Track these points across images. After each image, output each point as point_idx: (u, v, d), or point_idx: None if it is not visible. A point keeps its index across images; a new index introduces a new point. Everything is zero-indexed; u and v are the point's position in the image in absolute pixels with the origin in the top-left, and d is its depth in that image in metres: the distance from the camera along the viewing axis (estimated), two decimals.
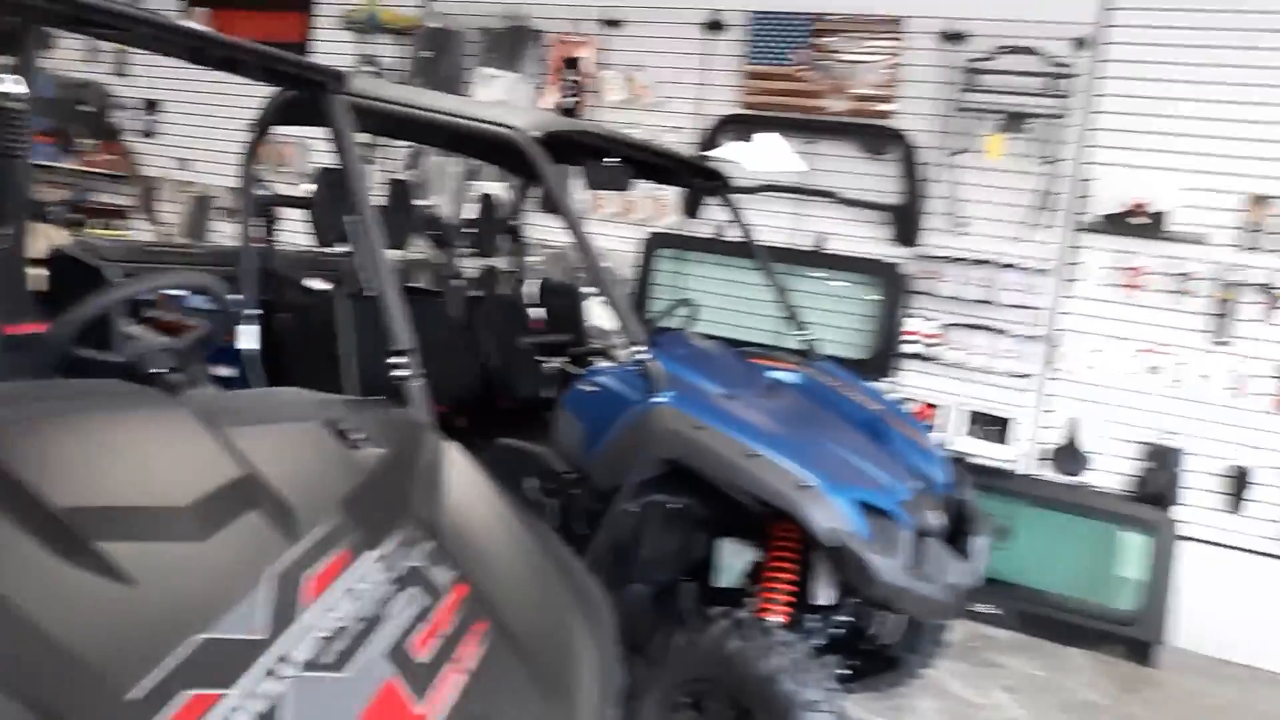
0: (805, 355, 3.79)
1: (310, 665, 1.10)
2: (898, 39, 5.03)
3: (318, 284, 3.54)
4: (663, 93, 5.58)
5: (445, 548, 1.45)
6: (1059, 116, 4.64)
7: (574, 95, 5.73)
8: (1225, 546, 4.44)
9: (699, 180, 4.25)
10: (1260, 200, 4.36)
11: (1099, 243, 4.64)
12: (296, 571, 1.20)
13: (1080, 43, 4.65)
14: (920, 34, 5.00)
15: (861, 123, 5.11)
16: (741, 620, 2.61)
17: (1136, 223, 4.48)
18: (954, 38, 4.90)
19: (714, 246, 5.35)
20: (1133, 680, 4.06)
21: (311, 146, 6.11)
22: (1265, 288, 4.35)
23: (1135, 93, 4.57)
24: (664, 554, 3.03)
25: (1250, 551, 4.40)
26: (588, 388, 2.83)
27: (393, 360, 2.06)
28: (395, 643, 1.22)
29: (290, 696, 1.05)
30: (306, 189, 3.57)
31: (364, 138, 5.78)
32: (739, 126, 5.34)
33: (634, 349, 2.77)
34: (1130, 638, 4.30)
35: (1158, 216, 4.45)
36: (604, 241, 5.65)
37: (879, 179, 5.09)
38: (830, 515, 2.54)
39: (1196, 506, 4.48)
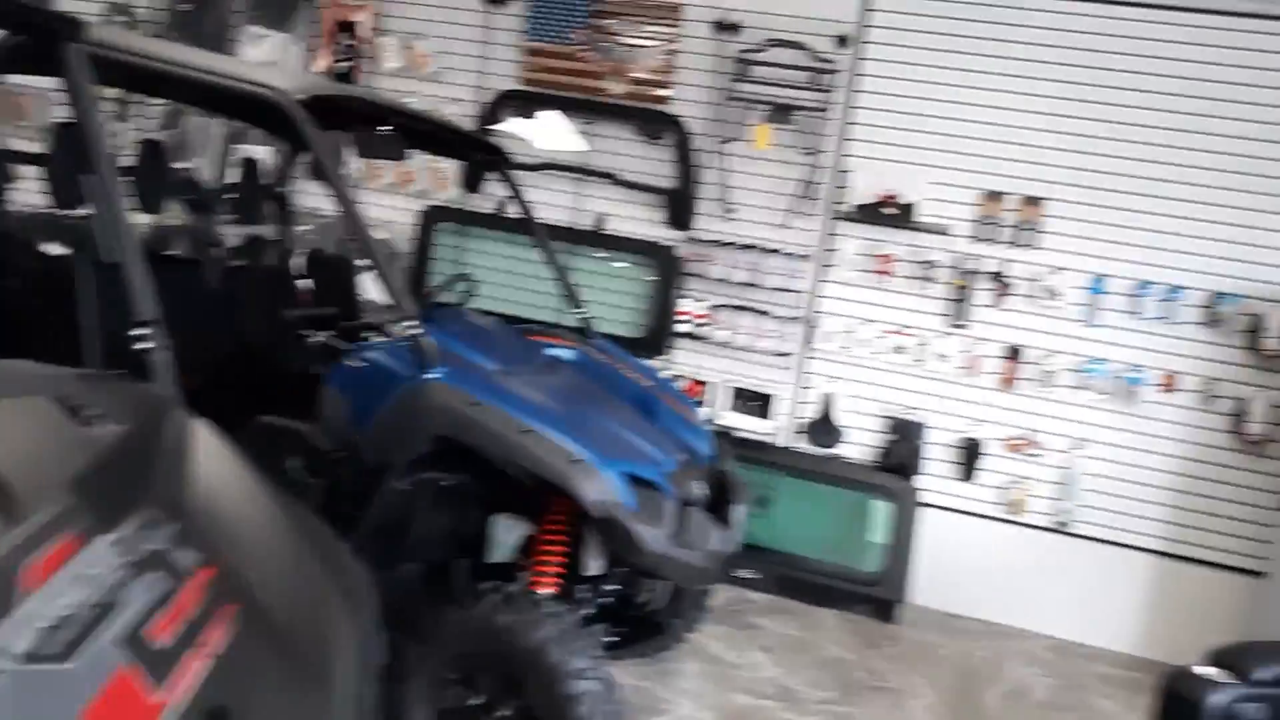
0: (582, 333, 3.85)
1: (31, 657, 1.03)
2: (675, 25, 5.16)
3: (56, 248, 3.25)
4: (443, 63, 5.47)
5: (190, 529, 1.38)
6: (821, 110, 4.92)
7: (349, 60, 5.52)
8: (958, 512, 4.90)
9: (478, 154, 4.21)
10: (993, 196, 4.80)
11: (853, 231, 4.96)
12: (16, 558, 1.12)
13: (842, 40, 4.94)
14: (696, 22, 5.15)
15: (639, 106, 5.22)
16: (511, 594, 2.64)
17: (887, 213, 4.83)
18: (727, 28, 5.08)
19: (494, 222, 5.32)
20: (876, 636, 4.42)
21: (55, 99, 5.57)
22: (996, 276, 4.80)
23: (889, 90, 4.92)
24: (436, 532, 3.02)
25: (979, 516, 4.88)
26: (356, 363, 2.76)
27: (135, 332, 1.93)
28: (131, 630, 1.16)
29: (7, 691, 0.98)
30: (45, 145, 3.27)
31: (117, 93, 5.36)
32: (519, 103, 5.34)
33: (405, 324, 2.72)
34: (876, 598, 4.67)
35: (906, 208, 4.82)
36: (381, 213, 5.52)
37: (656, 163, 5.22)
38: (599, 488, 2.61)
39: (935, 475, 4.91)
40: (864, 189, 4.91)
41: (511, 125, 5.32)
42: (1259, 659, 2.88)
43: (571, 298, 3.93)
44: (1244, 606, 4.52)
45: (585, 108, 5.27)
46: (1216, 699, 2.75)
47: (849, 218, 4.93)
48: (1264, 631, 4.16)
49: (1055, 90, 4.73)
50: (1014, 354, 4.82)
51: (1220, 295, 4.57)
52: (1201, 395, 4.63)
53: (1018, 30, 4.77)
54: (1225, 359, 4.60)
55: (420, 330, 2.69)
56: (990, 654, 4.41)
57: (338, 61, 5.52)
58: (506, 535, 3.05)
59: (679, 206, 5.15)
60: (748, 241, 5.06)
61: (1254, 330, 4.52)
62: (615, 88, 5.25)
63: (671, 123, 5.16)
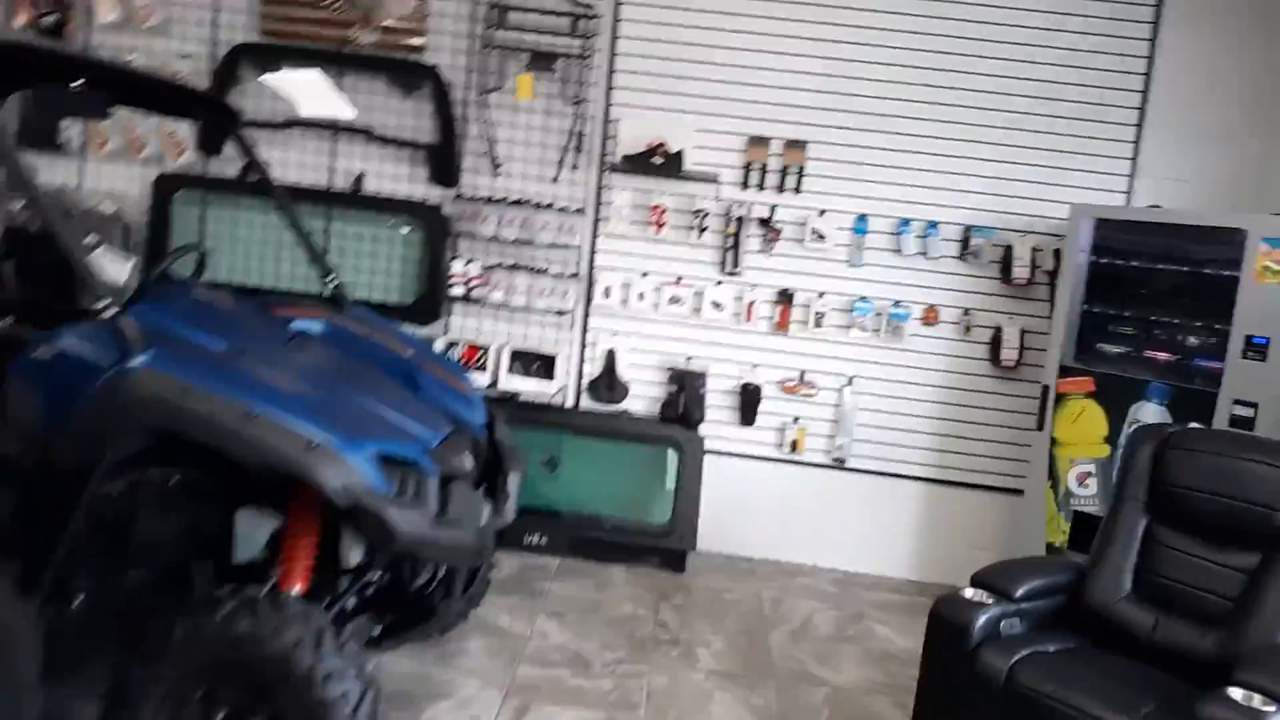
0: (336, 303, 3.57)
1: None
2: None
3: None
4: (169, 15, 4.95)
5: None
6: (584, 58, 4.77)
7: (54, 14, 4.89)
8: (742, 456, 4.95)
9: (206, 114, 3.81)
10: (757, 141, 4.82)
11: (625, 182, 4.87)
12: None
13: None
14: None
15: (392, 57, 4.90)
16: (251, 597, 2.40)
17: (656, 163, 4.75)
18: None
19: (237, 188, 4.87)
20: (668, 588, 4.41)
21: None
22: (765, 222, 4.83)
23: (651, 36, 4.82)
24: (168, 534, 2.71)
25: (761, 459, 4.95)
26: (45, 354, 2.41)
27: None
28: None
29: None
30: None
31: None
32: (258, 57, 4.91)
33: (103, 305, 2.39)
34: (667, 549, 4.67)
35: (675, 157, 4.76)
36: (109, 183, 4.98)
37: (415, 117, 4.93)
38: (343, 473, 2.40)
39: (717, 422, 4.94)
40: (632, 139, 4.81)
41: (273, 80, 4.90)
42: (1016, 579, 3.03)
43: (322, 265, 3.63)
44: (1007, 524, 4.81)
45: (333, 60, 4.90)
46: (982, 619, 2.89)
47: (619, 169, 4.82)
48: (1025, 546, 4.43)
49: (815, 33, 4.77)
50: (786, 298, 4.88)
51: (973, 229, 4.78)
52: (960, 326, 4.85)
53: None
54: (980, 289, 4.82)
55: (119, 312, 2.37)
56: (776, 593, 4.49)
57: (42, 16, 4.89)
58: (253, 531, 2.79)
59: (442, 162, 4.89)
60: (518, 197, 4.88)
61: (1004, 262, 4.76)
62: (365, 37, 4.90)
63: (428, 74, 4.87)
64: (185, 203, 4.95)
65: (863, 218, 4.83)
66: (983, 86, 4.73)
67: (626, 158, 4.76)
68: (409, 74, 4.89)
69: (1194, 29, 4.65)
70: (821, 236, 4.83)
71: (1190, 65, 4.67)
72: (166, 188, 4.92)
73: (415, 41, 4.89)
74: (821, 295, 4.87)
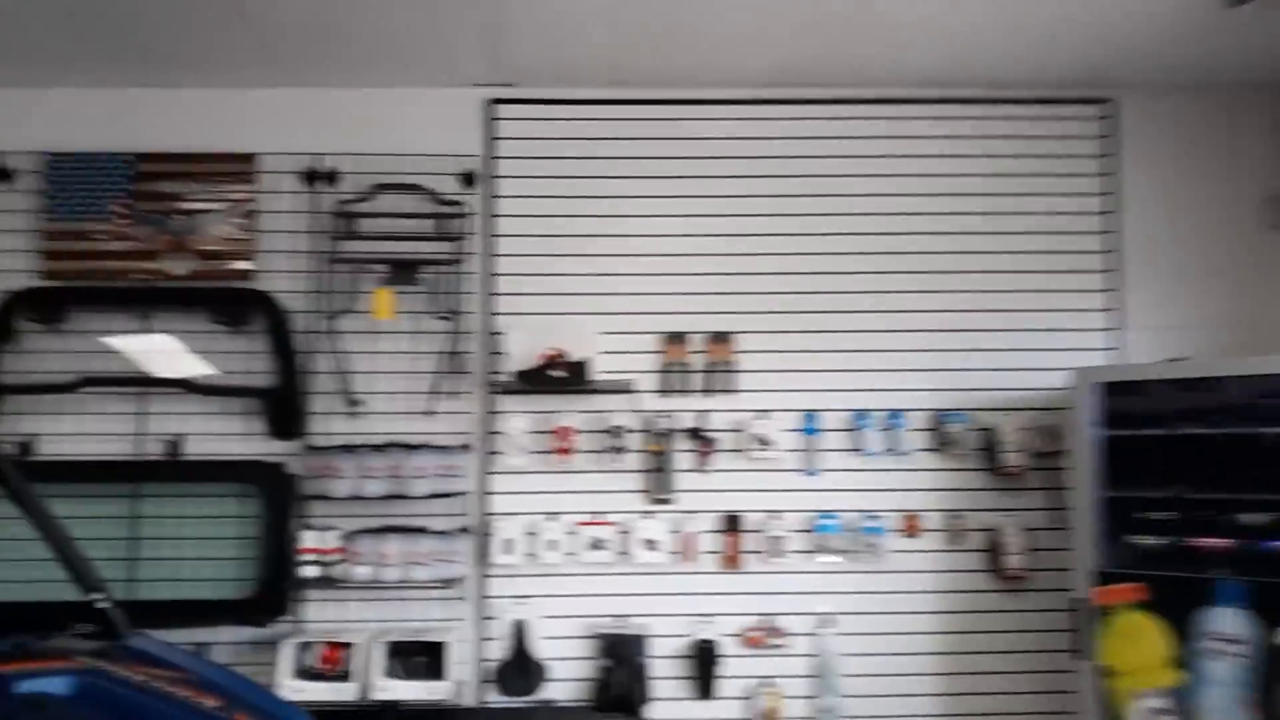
0: (107, 632, 2.44)
1: None
2: (249, 181, 4.01)
3: None
4: None
5: None
6: (455, 263, 3.91)
7: None
8: None
9: None
10: (674, 338, 3.97)
11: (519, 405, 3.93)
12: None
13: (468, 178, 4.02)
14: (277, 173, 4.03)
15: (212, 287, 3.96)
16: None
17: (556, 375, 3.83)
18: (321, 177, 4.01)
19: None
20: None
21: None
22: (695, 433, 3.92)
23: (534, 231, 4.03)
24: None
25: None
26: None
27: None
28: None
29: None
30: None
31: None
32: (42, 304, 3.90)
33: None
34: None
35: (577, 367, 3.85)
36: None
37: (246, 358, 3.94)
38: None
39: (667, 699, 3.81)
40: (523, 352, 3.91)
41: (119, 343, 3.90)
42: None
43: (84, 577, 2.51)
44: None
45: (136, 298, 3.93)
46: None
47: (510, 389, 3.88)
48: None
49: (730, 208, 4.05)
50: (732, 524, 3.90)
51: (946, 415, 3.94)
52: (949, 534, 3.93)
53: (674, 144, 4.08)
54: (966, 485, 3.94)
55: None
56: None
57: None
58: None
59: (283, 409, 3.88)
60: (385, 440, 3.86)
61: (989, 449, 3.91)
62: (176, 267, 3.96)
63: (259, 302, 3.93)
64: None
65: (812, 415, 3.96)
66: (938, 248, 4.03)
67: (519, 375, 3.83)
68: (235, 305, 3.93)
69: (1151, 161, 4.09)
70: (765, 443, 3.92)
71: (1156, 201, 4.08)
72: None
73: (241, 265, 3.98)
74: (776, 515, 3.91)
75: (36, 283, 3.94)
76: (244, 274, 3.97)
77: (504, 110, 4.09)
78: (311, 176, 4.02)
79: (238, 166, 4.02)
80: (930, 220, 4.05)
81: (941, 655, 3.89)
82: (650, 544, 3.85)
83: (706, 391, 3.95)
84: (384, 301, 3.85)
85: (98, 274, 3.94)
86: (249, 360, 3.93)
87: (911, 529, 3.92)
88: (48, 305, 3.89)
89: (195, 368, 3.92)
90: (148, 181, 3.99)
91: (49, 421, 3.89)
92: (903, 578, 3.91)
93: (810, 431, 3.95)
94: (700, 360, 3.97)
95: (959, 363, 3.98)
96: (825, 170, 4.05)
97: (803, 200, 4.04)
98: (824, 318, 4.00)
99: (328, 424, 3.91)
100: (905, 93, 4.07)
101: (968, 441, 3.92)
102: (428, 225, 3.98)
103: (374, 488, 3.68)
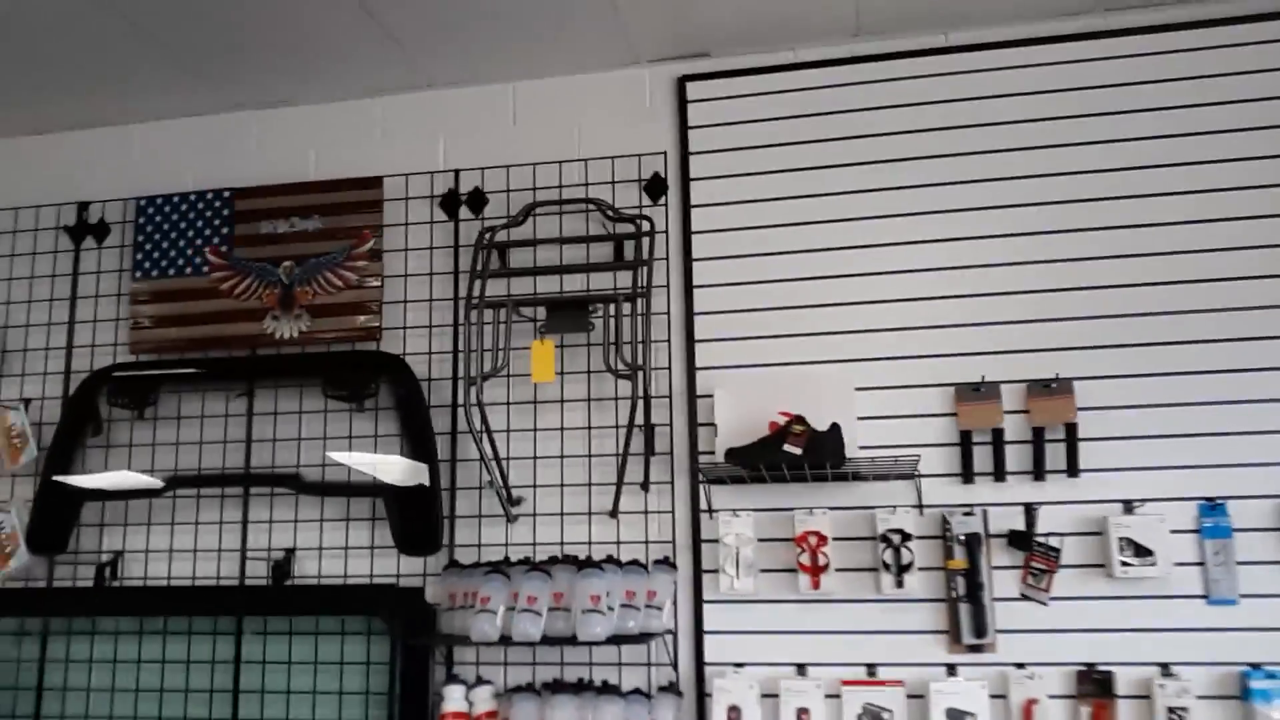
0: None
1: None
2: (374, 211, 3.03)
3: None
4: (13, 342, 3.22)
5: None
6: (639, 299, 2.72)
7: None
8: None
9: None
10: (977, 392, 2.59)
11: (739, 498, 2.65)
12: None
13: (654, 185, 2.89)
14: (407, 200, 3.05)
15: (329, 352, 2.99)
16: None
17: (793, 453, 2.51)
18: (464, 201, 2.99)
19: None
20: None
21: None
22: (1020, 539, 2.50)
23: (747, 249, 2.82)
24: None
25: None
26: None
27: None
28: None
29: None
30: None
31: None
32: (126, 386, 3.03)
33: None
34: None
35: (826, 439, 2.53)
36: None
37: (370, 442, 2.91)
38: None
39: None
40: (740, 418, 2.66)
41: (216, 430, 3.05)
42: None
43: None
44: None
45: (237, 371, 3.01)
46: None
47: (726, 476, 2.61)
48: None
49: (1036, 194, 2.68)
50: (1098, 687, 2.40)
51: None
52: None
53: (948, 110, 2.78)
54: None
55: None
56: None
57: None
58: None
59: (415, 513, 2.78)
60: (549, 553, 2.70)
61: None
62: (284, 328, 3.01)
63: (387, 368, 2.90)
64: None
65: (1218, 506, 2.44)
66: None
67: (737, 453, 2.55)
68: (357, 373, 2.91)
69: None
70: (1141, 552, 2.43)
71: None
72: None
73: (364, 321, 2.97)
74: (1169, 672, 2.38)
75: (124, 357, 3.11)
76: (368, 333, 2.96)
77: (697, 90, 2.93)
78: (452, 201, 3.00)
79: (358, 194, 3.06)
80: None
81: None
82: (961, 718, 2.42)
83: (1035, 474, 2.53)
84: (543, 357, 2.70)
85: (191, 343, 3.05)
86: (375, 446, 2.90)
87: None
88: (132, 386, 3.02)
89: (308, 458, 2.92)
90: (248, 222, 3.09)
91: (136, 535, 3.00)
92: None
93: (1216, 533, 2.42)
94: (1020, 424, 2.56)
95: None
96: (1208, 123, 2.61)
97: (1172, 173, 2.60)
98: (1221, 350, 2.50)
99: (472, 532, 2.79)
100: None
101: None
102: (602, 252, 2.86)
103: (530, 627, 2.46)
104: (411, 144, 3.09)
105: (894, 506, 2.56)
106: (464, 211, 2.99)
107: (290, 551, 2.88)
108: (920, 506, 2.56)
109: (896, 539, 2.54)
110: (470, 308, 2.74)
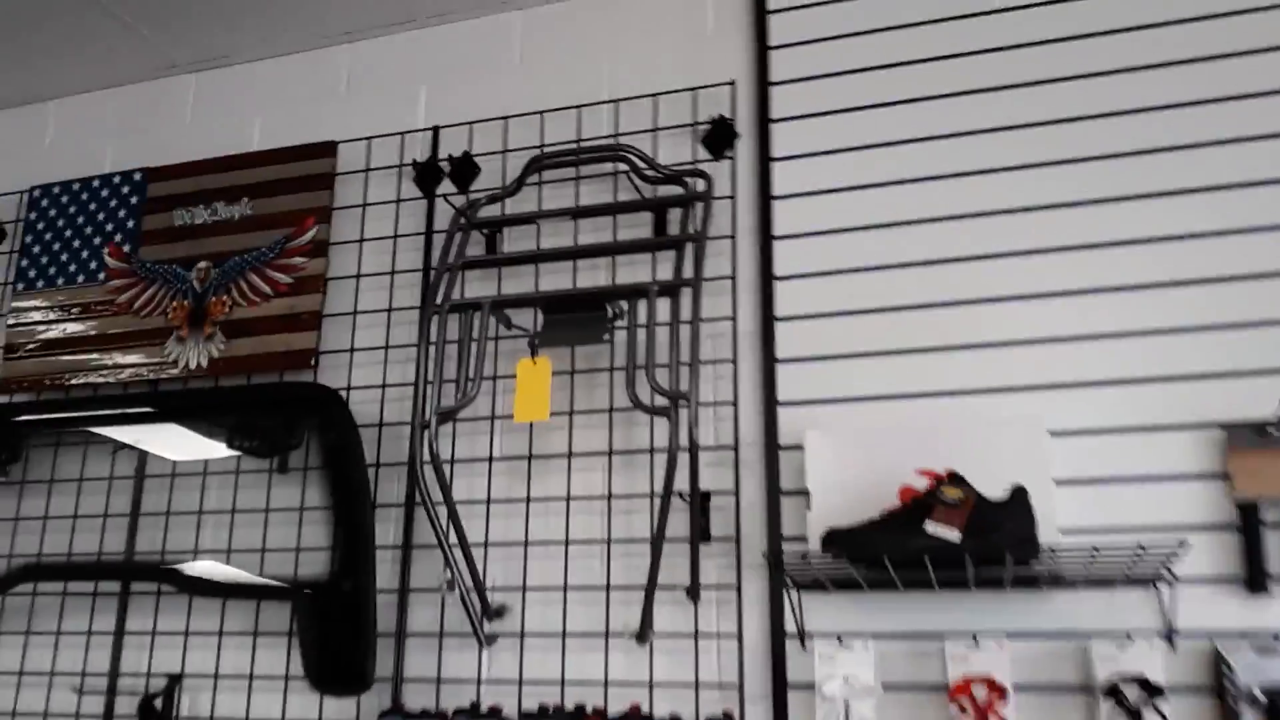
0: None
1: None
2: (324, 188, 2.15)
3: None
4: None
5: None
6: (683, 287, 1.71)
7: None
8: None
9: None
10: (1259, 438, 1.49)
11: (848, 613, 1.58)
12: None
13: (719, 133, 1.91)
14: (367, 173, 2.15)
15: (243, 386, 2.07)
16: None
17: (942, 539, 1.46)
18: (454, 168, 2.06)
19: None
20: None
21: None
22: None
23: (855, 220, 1.81)
24: None
25: None
26: None
27: None
28: None
29: None
30: None
31: None
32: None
33: None
34: None
35: (1001, 515, 1.48)
36: None
37: (289, 520, 1.96)
38: None
39: None
40: (847, 482, 1.61)
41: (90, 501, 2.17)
42: None
43: None
44: None
45: (119, 415, 2.10)
46: None
47: (819, 578, 1.56)
48: None
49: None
50: None
51: None
52: None
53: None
54: None
55: None
56: None
57: None
58: None
59: (339, 632, 1.79)
60: (537, 695, 1.66)
61: None
62: (189, 353, 2.11)
63: (317, 409, 1.96)
64: None
65: None
66: None
67: (840, 538, 1.47)
68: (272, 416, 1.98)
69: None
70: None
71: None
72: None
73: (295, 342, 2.05)
74: None
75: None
76: (302, 358, 2.03)
77: None
78: (429, 171, 2.08)
79: (303, 167, 2.18)
80: None
81: None
82: None
83: None
84: (535, 385, 1.71)
85: (76, 377, 2.18)
86: (299, 522, 1.95)
87: None
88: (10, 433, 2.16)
89: (214, 540, 1.99)
90: (160, 212, 2.25)
91: None
92: None
93: None
94: None
95: None
96: None
97: None
98: None
99: (431, 657, 1.78)
100: None
101: None
102: (637, 231, 1.89)
103: None
104: (382, 98, 2.22)
105: (1126, 634, 1.45)
106: (446, 186, 2.07)
107: (175, 679, 1.93)
108: (1172, 634, 1.45)
109: (1133, 695, 1.42)
110: (431, 313, 1.78)
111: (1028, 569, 1.44)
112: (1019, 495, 1.42)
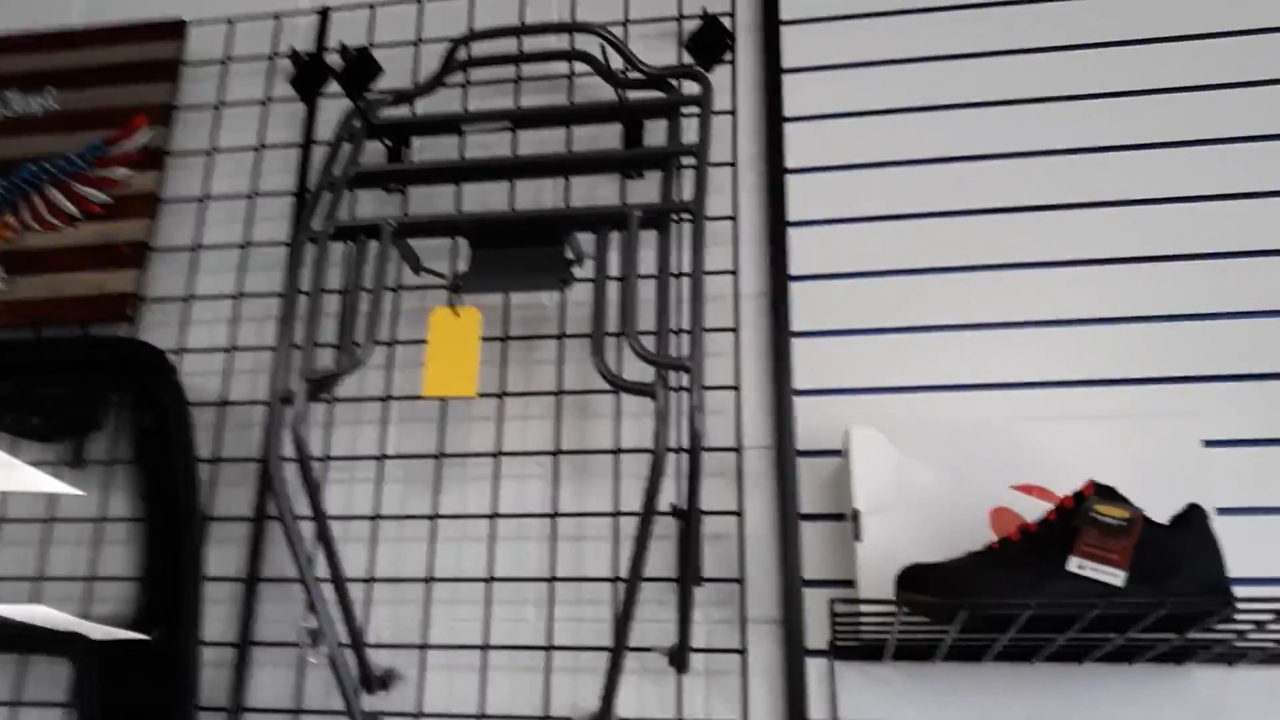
0: None
1: None
2: (164, 80, 1.56)
3: None
4: None
5: None
6: (675, 219, 1.21)
7: None
8: None
9: None
10: None
11: (920, 696, 1.09)
12: None
13: (709, 33, 1.42)
14: (227, 64, 1.58)
15: (34, 339, 1.46)
16: None
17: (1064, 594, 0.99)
18: (346, 66, 1.51)
19: None
20: None
21: None
22: None
23: (886, 154, 1.34)
24: None
25: None
26: None
27: None
28: None
29: None
30: None
31: None
32: None
33: None
34: None
35: (1175, 558, 1.00)
36: None
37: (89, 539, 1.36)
38: None
39: None
40: (911, 493, 1.10)
41: None
42: None
43: None
44: None
45: None
46: None
47: (872, 641, 1.06)
48: None
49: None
50: None
51: None
52: None
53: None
54: None
55: None
56: None
57: None
58: None
59: (142, 703, 1.20)
60: None
61: None
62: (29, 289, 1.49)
63: (130, 371, 1.37)
64: None
65: None
66: None
67: (930, 577, 0.95)
68: (62, 384, 1.38)
69: None
70: None
71: None
72: None
73: (109, 282, 1.45)
74: None
75: None
76: (117, 305, 1.44)
77: None
78: (311, 66, 1.52)
79: (136, 50, 1.59)
80: None
81: None
82: None
83: None
84: (455, 345, 1.16)
85: None
86: (83, 546, 1.35)
87: None
88: None
89: None
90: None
91: None
92: None
93: None
94: None
95: None
96: None
97: None
98: None
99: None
100: None
101: None
102: (597, 144, 1.38)
103: None
104: None
105: None
106: (334, 88, 1.51)
107: None
108: None
109: None
110: (304, 239, 1.21)
111: (1198, 634, 0.96)
112: (1196, 518, 0.95)
